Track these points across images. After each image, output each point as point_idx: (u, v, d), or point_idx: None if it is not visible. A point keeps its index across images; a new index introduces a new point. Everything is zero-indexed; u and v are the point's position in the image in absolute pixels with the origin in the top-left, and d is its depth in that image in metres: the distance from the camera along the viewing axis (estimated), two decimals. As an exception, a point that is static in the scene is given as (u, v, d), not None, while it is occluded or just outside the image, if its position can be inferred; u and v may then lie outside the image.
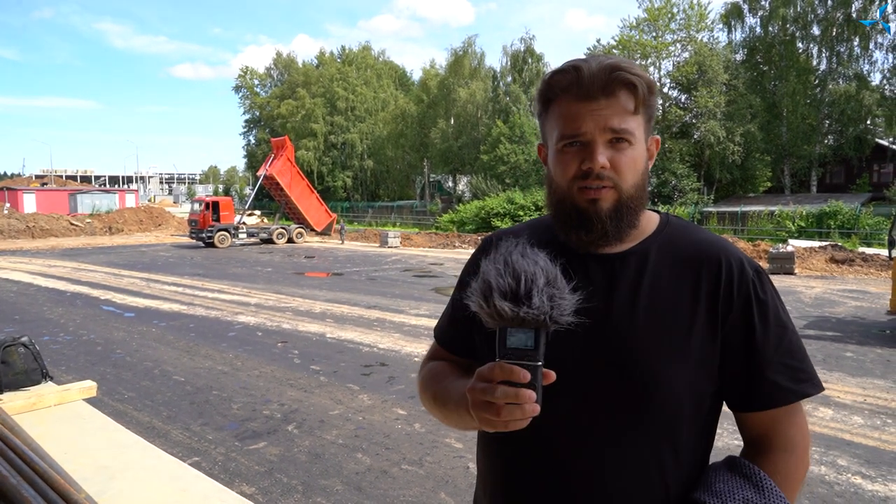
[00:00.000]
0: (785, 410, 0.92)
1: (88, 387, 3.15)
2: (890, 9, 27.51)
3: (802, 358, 0.94)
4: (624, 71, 0.86)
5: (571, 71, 0.87)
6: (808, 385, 0.93)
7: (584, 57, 0.91)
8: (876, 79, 29.07)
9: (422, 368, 1.13)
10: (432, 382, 1.05)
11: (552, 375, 0.78)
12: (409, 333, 7.78)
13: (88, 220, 30.07)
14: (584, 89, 0.86)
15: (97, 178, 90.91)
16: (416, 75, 48.86)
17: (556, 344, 0.83)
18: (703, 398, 0.91)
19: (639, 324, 0.87)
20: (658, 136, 0.96)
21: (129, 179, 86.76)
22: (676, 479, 0.90)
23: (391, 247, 22.92)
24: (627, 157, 0.87)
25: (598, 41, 36.65)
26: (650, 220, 0.97)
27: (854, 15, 28.05)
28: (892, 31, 24.65)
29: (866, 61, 28.90)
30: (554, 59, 61.17)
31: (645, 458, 0.88)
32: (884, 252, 15.10)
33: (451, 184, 42.55)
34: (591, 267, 0.92)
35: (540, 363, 0.77)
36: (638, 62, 31.77)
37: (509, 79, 36.45)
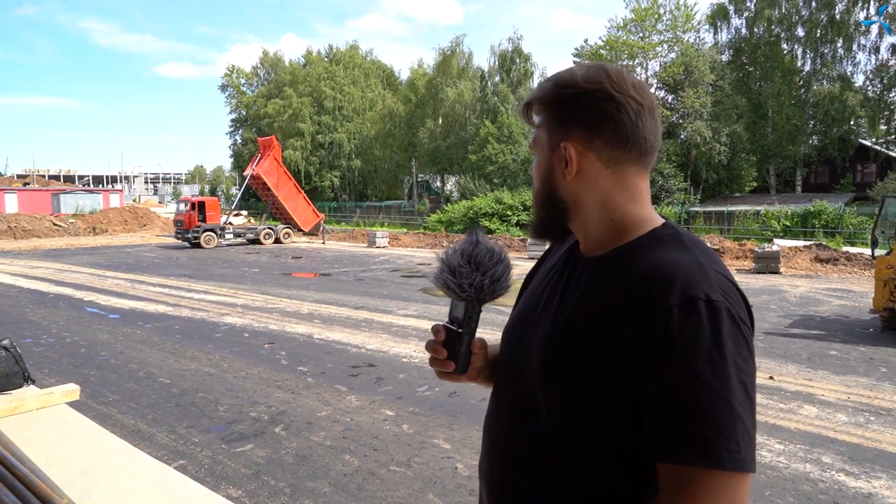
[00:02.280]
0: (667, 472, 0.75)
1: (71, 390, 3.11)
2: (873, 10, 27.89)
3: (703, 417, 0.72)
4: (529, 97, 0.97)
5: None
6: (690, 448, 0.71)
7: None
8: (859, 80, 29.48)
9: None
10: None
11: (476, 344, 0.99)
12: (398, 334, 7.76)
13: (72, 221, 29.71)
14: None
15: (81, 177, 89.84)
16: (404, 75, 48.80)
17: (508, 324, 1.03)
18: (597, 427, 0.83)
19: (559, 328, 0.90)
20: (569, 143, 0.89)
21: (114, 179, 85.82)
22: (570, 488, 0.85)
23: (379, 247, 22.86)
24: (534, 165, 0.98)
25: (586, 41, 36.80)
26: (636, 229, 0.90)
27: (838, 17, 28.39)
28: (890, 31, 24.90)
29: (850, 62, 29.27)
30: (542, 60, 61.36)
31: (532, 456, 0.90)
32: (867, 251, 15.28)
33: (439, 184, 42.52)
34: (567, 265, 0.98)
35: (460, 330, 0.96)
36: (625, 62, 32.13)
37: (497, 78, 36.47)
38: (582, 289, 0.90)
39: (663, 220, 0.92)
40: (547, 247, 1.12)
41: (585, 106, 0.89)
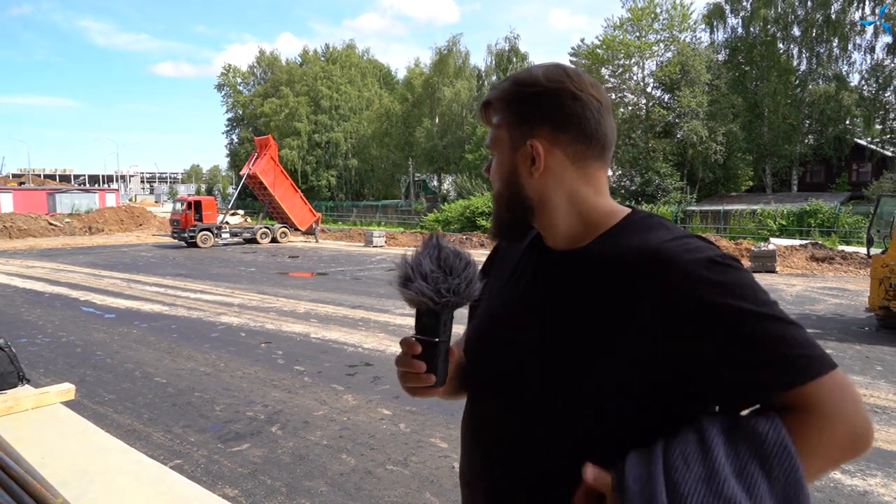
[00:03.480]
0: (792, 400, 0.77)
1: (66, 389, 3.09)
2: (868, 10, 27.97)
3: (785, 342, 0.77)
4: (488, 97, 0.98)
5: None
6: (797, 373, 0.76)
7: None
8: (854, 79, 29.59)
9: None
10: None
11: (454, 352, 0.93)
12: (394, 333, 7.75)
13: (68, 220, 29.61)
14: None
15: (76, 177, 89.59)
16: (401, 74, 48.76)
17: (479, 328, 1.01)
18: (608, 414, 0.83)
19: (543, 322, 0.90)
20: (535, 141, 0.90)
21: (110, 178, 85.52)
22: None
23: (376, 246, 22.85)
24: (494, 165, 0.98)
25: (583, 41, 36.88)
26: (609, 218, 0.92)
27: (833, 16, 28.48)
28: (890, 31, 24.95)
29: (845, 62, 29.38)
30: (538, 59, 61.36)
31: (534, 452, 0.89)
32: (862, 250, 15.34)
33: (435, 183, 42.51)
34: (542, 261, 0.98)
35: (436, 339, 0.90)
36: (621, 62, 32.16)
37: (494, 78, 36.47)
38: (568, 282, 0.90)
39: (630, 208, 0.96)
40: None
41: (549, 104, 0.90)
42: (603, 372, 0.83)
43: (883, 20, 25.12)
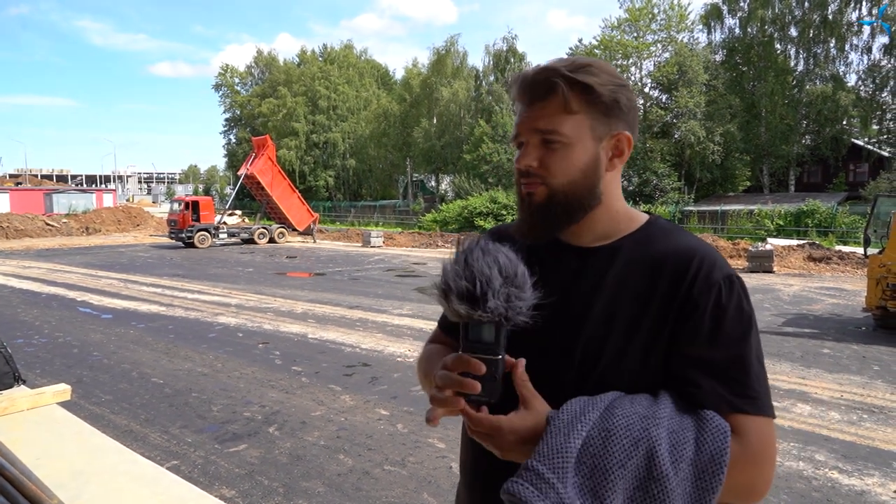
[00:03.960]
0: (735, 422, 0.84)
1: (63, 390, 3.08)
2: (865, 10, 28.03)
3: (749, 375, 0.85)
4: (552, 74, 0.90)
5: (516, 79, 0.96)
6: (748, 401, 0.84)
7: (554, 60, 0.96)
8: (851, 80, 29.67)
9: (423, 349, 1.19)
10: (426, 363, 1.10)
11: (517, 363, 0.85)
12: (392, 333, 7.75)
13: (65, 221, 29.54)
14: (523, 97, 0.94)
15: (74, 177, 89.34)
16: (399, 74, 48.77)
17: (515, 332, 0.88)
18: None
19: (591, 315, 0.91)
20: (626, 133, 0.94)
21: (107, 179, 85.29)
22: None
23: (374, 246, 22.83)
24: (558, 155, 0.91)
25: (580, 41, 36.90)
26: (633, 220, 0.98)
27: (830, 17, 28.54)
28: (890, 31, 24.99)
29: (842, 62, 29.46)
30: (536, 59, 61.48)
31: None
32: (859, 250, 15.37)
33: (433, 183, 42.49)
34: (564, 258, 0.97)
35: (500, 356, 0.82)
36: (619, 62, 32.18)
37: (492, 78, 36.46)
38: (610, 274, 0.93)
39: (647, 213, 1.01)
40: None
41: (629, 102, 0.94)
42: (638, 356, 0.88)
43: (882, 20, 25.16)
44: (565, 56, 1.02)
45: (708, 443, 0.79)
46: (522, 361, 0.86)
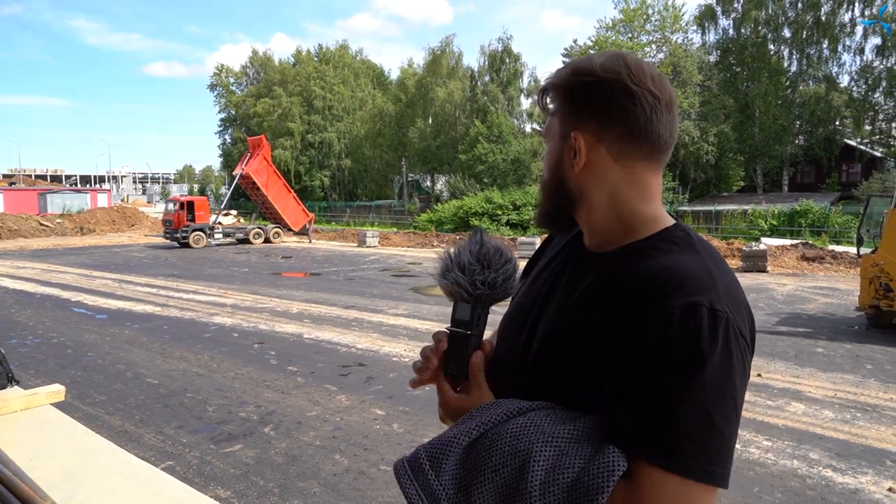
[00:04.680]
0: (635, 466, 0.73)
1: (56, 391, 3.07)
2: (858, 12, 28.18)
3: (675, 424, 0.72)
4: (545, 82, 0.94)
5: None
6: (660, 452, 0.72)
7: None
8: (844, 80, 29.85)
9: None
10: None
11: (486, 346, 0.94)
12: (388, 333, 7.74)
13: (59, 221, 29.41)
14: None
15: (68, 177, 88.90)
16: (394, 74, 48.69)
17: (512, 320, 0.98)
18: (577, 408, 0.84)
19: (557, 324, 0.89)
20: (579, 132, 0.87)
21: (102, 179, 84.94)
22: None
23: (369, 246, 22.81)
24: (545, 152, 0.96)
25: (575, 41, 36.96)
26: (646, 227, 0.88)
27: (823, 18, 28.69)
28: (890, 31, 25.11)
29: (835, 63, 29.64)
30: (531, 60, 61.50)
31: None
32: (852, 250, 15.44)
33: (429, 183, 42.50)
34: (569, 258, 0.97)
35: (469, 332, 0.91)
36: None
37: (487, 78, 36.49)
38: (585, 284, 0.88)
39: (674, 221, 0.91)
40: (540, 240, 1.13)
41: (599, 96, 0.86)
42: (582, 366, 0.82)
43: (882, 20, 25.29)
44: (561, 56, 1.03)
45: (590, 475, 0.72)
46: (479, 353, 0.92)
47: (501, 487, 0.76)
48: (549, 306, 0.92)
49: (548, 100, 0.94)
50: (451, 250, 0.94)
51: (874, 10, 26.99)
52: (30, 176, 67.22)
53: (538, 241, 18.93)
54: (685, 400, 0.72)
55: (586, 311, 0.85)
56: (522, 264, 1.03)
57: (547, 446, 0.76)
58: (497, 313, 0.95)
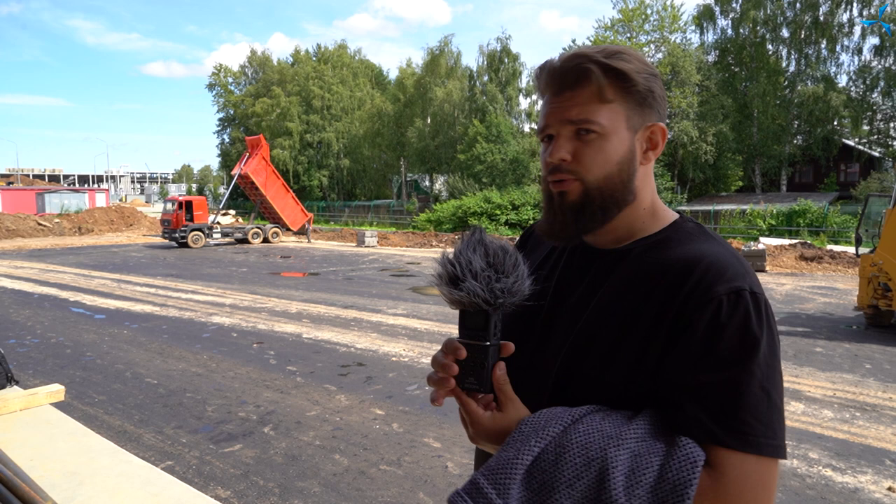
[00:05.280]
0: (709, 454, 0.75)
1: (56, 391, 3.07)
2: (856, 12, 28.22)
3: (742, 405, 0.75)
4: (584, 60, 0.84)
5: (543, 67, 0.89)
6: (733, 434, 0.74)
7: (582, 47, 0.92)
8: (842, 80, 29.91)
9: None
10: None
11: (510, 347, 0.86)
12: (387, 333, 7.74)
13: (57, 221, 29.34)
14: (552, 86, 0.88)
15: (66, 177, 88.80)
16: (393, 74, 48.68)
17: (516, 324, 0.92)
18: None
19: (582, 323, 0.87)
20: (661, 124, 0.89)
21: (100, 179, 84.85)
22: None
23: (368, 246, 22.80)
24: (593, 148, 0.85)
25: (574, 41, 36.95)
26: (657, 221, 0.90)
27: (821, 18, 28.74)
28: (891, 31, 25.15)
29: (833, 63, 29.69)
30: (530, 59, 61.62)
31: None
32: (851, 249, 15.48)
33: (427, 183, 42.48)
34: (577, 259, 0.94)
35: (487, 343, 0.83)
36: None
37: (486, 78, 36.49)
38: (608, 282, 0.87)
39: (678, 213, 0.92)
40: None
41: (661, 92, 0.89)
42: (622, 372, 0.82)
43: (882, 20, 25.32)
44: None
45: (673, 471, 0.72)
46: (502, 364, 0.85)
47: (580, 501, 0.73)
48: (562, 309, 0.90)
49: (594, 83, 0.84)
50: (454, 256, 0.85)
51: (872, 11, 27.04)
52: (28, 175, 67.14)
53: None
54: (747, 383, 0.75)
55: (618, 310, 0.84)
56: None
57: (619, 449, 0.74)
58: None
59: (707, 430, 0.75)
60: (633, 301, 0.83)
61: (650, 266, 0.84)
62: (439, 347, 0.97)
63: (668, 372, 0.79)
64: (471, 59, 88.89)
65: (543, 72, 0.89)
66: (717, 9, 31.48)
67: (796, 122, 30.24)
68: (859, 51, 29.00)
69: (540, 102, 0.94)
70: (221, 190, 53.93)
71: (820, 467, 3.80)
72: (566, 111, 0.85)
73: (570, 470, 0.74)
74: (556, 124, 0.87)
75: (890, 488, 3.51)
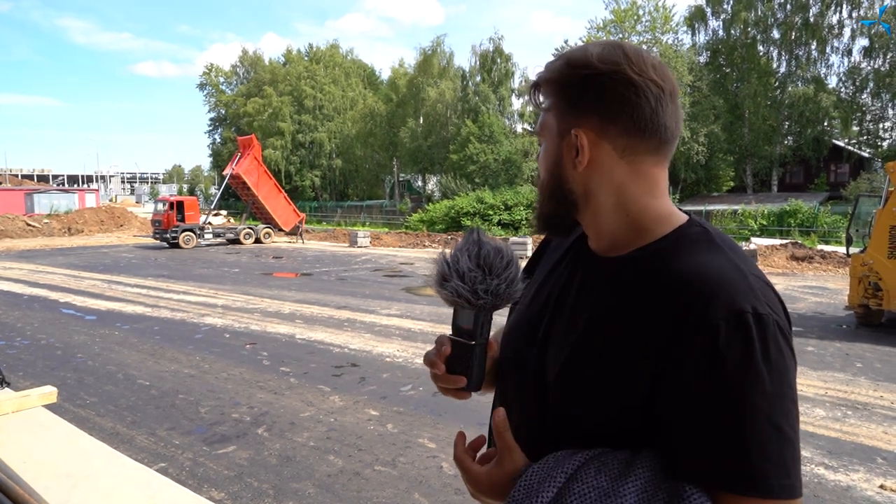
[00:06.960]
0: (714, 498, 0.69)
1: (48, 392, 3.04)
2: (846, 13, 28.46)
3: (747, 445, 0.67)
4: (537, 77, 0.87)
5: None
6: (740, 478, 0.67)
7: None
8: (832, 82, 30.15)
9: None
10: None
11: (492, 346, 0.89)
12: (381, 333, 7.73)
13: (46, 221, 29.12)
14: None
15: (55, 177, 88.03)
16: (385, 74, 48.70)
17: (522, 330, 0.92)
18: (615, 438, 0.77)
19: (578, 340, 0.82)
20: (584, 131, 0.80)
21: (90, 179, 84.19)
22: None
23: (361, 247, 22.76)
24: (541, 152, 0.89)
25: (566, 42, 37.04)
26: (660, 226, 0.83)
27: (812, 20, 28.96)
28: (890, 31, 25.35)
29: (823, 65, 29.95)
30: (522, 60, 61.78)
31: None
32: (841, 249, 15.59)
33: (420, 183, 42.47)
34: (577, 263, 0.91)
35: (473, 342, 0.85)
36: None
37: (478, 78, 36.52)
38: (601, 294, 0.82)
39: (687, 216, 0.84)
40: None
41: (600, 89, 0.79)
42: (614, 388, 0.76)
43: (881, 20, 25.53)
44: (552, 57, 0.94)
45: None
46: (501, 411, 0.81)
47: None
48: (560, 318, 0.86)
49: (541, 96, 0.87)
50: (447, 254, 0.86)
51: (862, 12, 27.28)
52: (16, 176, 66.53)
53: (530, 242, 19.05)
54: (753, 418, 0.67)
55: (611, 328, 0.78)
56: (521, 264, 0.98)
57: None
58: (500, 314, 0.91)
59: (712, 477, 0.68)
60: (622, 320, 0.77)
61: (645, 280, 0.78)
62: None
63: (664, 411, 0.72)
64: (463, 60, 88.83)
65: None
66: (709, 10, 31.69)
67: (787, 123, 30.47)
68: (849, 52, 29.30)
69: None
70: (213, 190, 53.69)
71: (812, 465, 3.82)
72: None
73: None
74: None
75: (882, 486, 3.54)
